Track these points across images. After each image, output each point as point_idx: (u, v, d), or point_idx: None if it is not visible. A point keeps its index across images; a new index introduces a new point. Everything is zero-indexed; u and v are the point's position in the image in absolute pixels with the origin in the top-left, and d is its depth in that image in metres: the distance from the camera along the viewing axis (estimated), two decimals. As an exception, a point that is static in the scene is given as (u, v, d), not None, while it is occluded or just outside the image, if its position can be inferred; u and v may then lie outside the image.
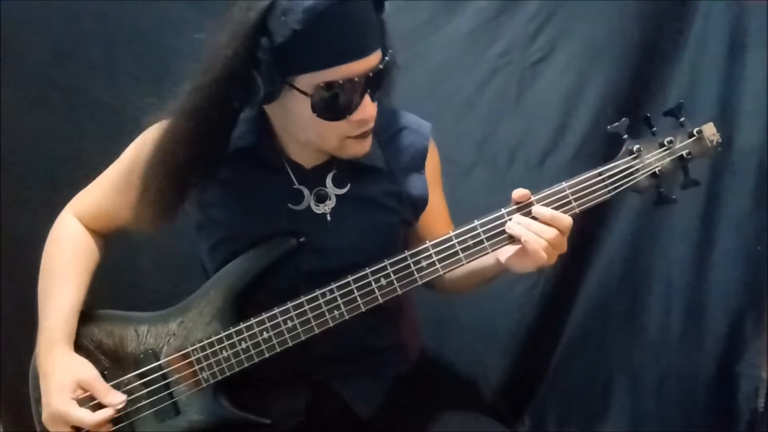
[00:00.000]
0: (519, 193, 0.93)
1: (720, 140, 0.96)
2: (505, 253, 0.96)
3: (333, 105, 0.88)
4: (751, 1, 1.40)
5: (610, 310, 1.56)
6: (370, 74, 0.88)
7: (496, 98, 1.53)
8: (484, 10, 1.49)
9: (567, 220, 0.92)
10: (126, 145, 1.08)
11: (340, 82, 0.86)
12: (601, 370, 1.59)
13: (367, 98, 0.89)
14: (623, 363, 1.57)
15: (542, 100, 1.52)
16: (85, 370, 1.00)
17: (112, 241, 1.15)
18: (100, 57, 1.42)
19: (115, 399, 0.99)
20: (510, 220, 0.93)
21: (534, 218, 0.92)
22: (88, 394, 0.99)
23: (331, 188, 1.02)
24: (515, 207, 0.94)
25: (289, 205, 1.01)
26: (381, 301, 0.95)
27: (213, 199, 1.02)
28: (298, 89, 0.87)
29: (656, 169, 0.95)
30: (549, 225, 0.91)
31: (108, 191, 1.08)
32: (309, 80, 0.86)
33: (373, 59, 0.88)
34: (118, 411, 0.99)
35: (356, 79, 0.86)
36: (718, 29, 1.43)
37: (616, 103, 1.49)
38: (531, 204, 0.93)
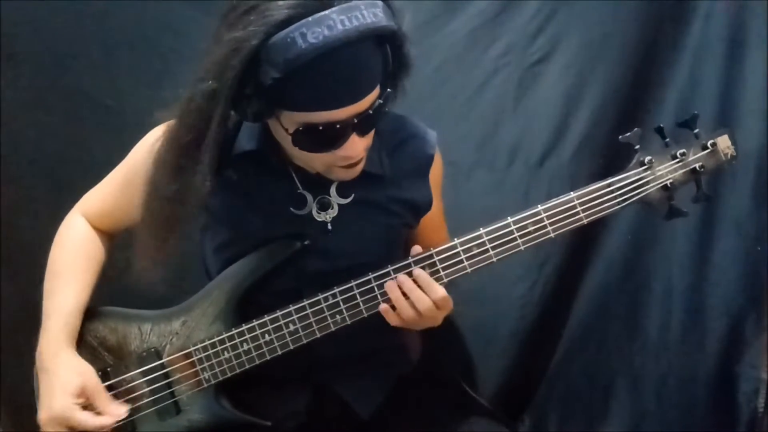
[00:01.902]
0: (415, 251, 0.95)
1: (735, 153, 0.93)
2: None
3: (313, 143, 0.86)
4: (751, 1, 1.40)
5: (611, 310, 1.56)
6: (355, 120, 0.84)
7: (496, 99, 1.52)
8: (484, 10, 1.49)
9: (439, 291, 0.92)
10: (126, 145, 1.08)
11: (320, 127, 0.83)
12: (602, 370, 1.58)
13: (354, 136, 0.86)
14: (623, 363, 1.56)
15: (542, 100, 1.52)
16: (91, 377, 1.00)
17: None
18: (100, 57, 1.41)
19: (117, 410, 0.99)
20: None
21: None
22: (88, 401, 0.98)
23: (334, 197, 1.01)
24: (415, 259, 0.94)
25: (292, 209, 1.01)
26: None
27: (218, 201, 1.02)
28: (279, 123, 0.86)
29: (668, 182, 0.93)
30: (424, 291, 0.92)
31: (113, 191, 1.09)
32: (290, 118, 0.84)
33: (362, 104, 0.84)
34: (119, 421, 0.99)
35: (338, 125, 0.83)
36: (718, 29, 1.42)
37: (616, 103, 1.48)
38: (432, 256, 0.94)
